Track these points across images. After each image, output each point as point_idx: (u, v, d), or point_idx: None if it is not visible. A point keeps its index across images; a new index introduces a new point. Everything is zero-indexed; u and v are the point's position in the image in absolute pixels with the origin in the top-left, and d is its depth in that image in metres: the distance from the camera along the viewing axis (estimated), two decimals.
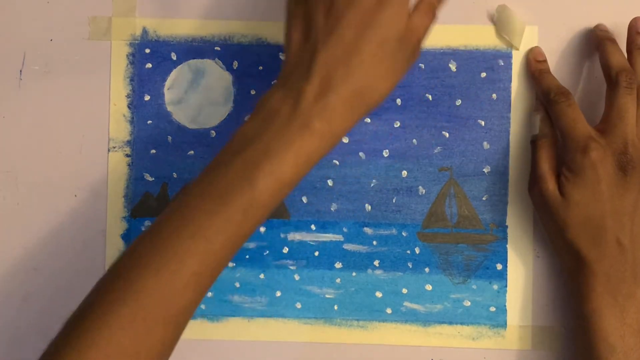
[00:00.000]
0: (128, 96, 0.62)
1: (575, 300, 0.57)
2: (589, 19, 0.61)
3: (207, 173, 0.49)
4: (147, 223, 0.62)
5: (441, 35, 0.61)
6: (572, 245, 0.56)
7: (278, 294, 0.61)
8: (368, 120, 0.62)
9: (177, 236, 0.47)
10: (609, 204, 0.55)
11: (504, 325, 0.61)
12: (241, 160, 0.48)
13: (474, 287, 0.61)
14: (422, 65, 0.62)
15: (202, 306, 0.61)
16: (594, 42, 0.60)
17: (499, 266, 0.61)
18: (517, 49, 0.61)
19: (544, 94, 0.59)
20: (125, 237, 0.62)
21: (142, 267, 0.47)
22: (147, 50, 0.62)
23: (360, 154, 0.62)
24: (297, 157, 0.48)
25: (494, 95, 0.61)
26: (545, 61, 0.61)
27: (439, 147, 0.62)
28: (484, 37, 0.61)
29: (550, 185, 0.57)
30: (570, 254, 0.56)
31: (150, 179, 0.62)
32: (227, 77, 0.62)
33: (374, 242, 0.62)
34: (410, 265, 0.61)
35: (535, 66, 0.60)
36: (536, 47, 0.61)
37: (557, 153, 0.58)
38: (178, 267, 0.46)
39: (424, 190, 0.62)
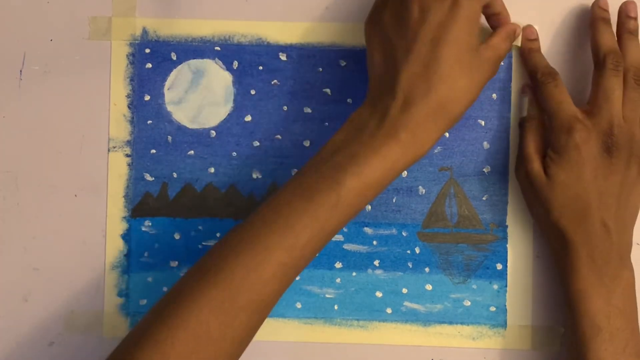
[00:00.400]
0: (128, 96, 0.62)
1: (561, 281, 0.57)
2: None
3: (296, 177, 0.53)
4: (147, 223, 0.62)
5: None
6: (557, 226, 0.56)
7: None
8: None
9: (268, 230, 0.50)
10: (593, 185, 0.55)
11: (504, 325, 0.61)
12: (330, 164, 0.52)
13: (474, 287, 0.61)
14: None
15: None
16: (589, 19, 0.60)
17: (499, 266, 0.61)
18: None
19: (532, 73, 0.59)
20: (125, 237, 0.62)
21: (233, 257, 0.50)
22: (147, 50, 0.62)
23: None
24: (382, 163, 0.51)
25: (494, 95, 0.61)
26: (536, 40, 0.61)
27: (439, 147, 0.62)
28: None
29: (536, 165, 0.57)
30: (555, 235, 0.57)
31: (150, 178, 0.62)
32: (227, 77, 0.62)
33: (374, 242, 0.62)
34: (410, 265, 0.61)
35: (526, 44, 0.61)
36: (529, 25, 0.61)
37: (545, 135, 0.59)
38: (267, 258, 0.50)
39: (424, 190, 0.62)
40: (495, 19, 0.58)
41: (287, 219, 0.50)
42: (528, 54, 0.60)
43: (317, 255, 0.52)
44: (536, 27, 0.61)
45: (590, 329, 0.54)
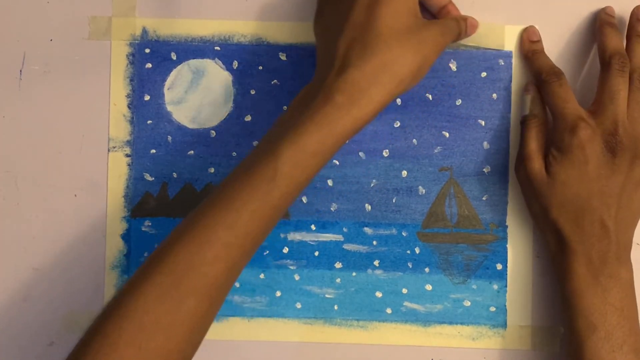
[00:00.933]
0: (128, 96, 0.62)
1: (558, 279, 0.57)
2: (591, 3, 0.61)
3: (243, 159, 0.52)
4: (147, 223, 0.62)
5: None
6: (555, 225, 0.56)
7: (278, 293, 0.61)
8: None
9: (208, 210, 0.49)
10: (595, 185, 0.55)
11: (504, 325, 0.61)
12: (269, 137, 0.51)
13: (474, 287, 0.61)
14: None
15: None
16: (596, 24, 0.60)
17: (499, 266, 0.61)
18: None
19: (536, 73, 0.59)
20: (125, 237, 0.62)
21: (176, 241, 0.49)
22: (147, 50, 0.62)
23: (360, 153, 0.62)
24: (318, 129, 0.50)
25: (495, 95, 0.61)
26: (539, 41, 0.61)
27: (439, 147, 0.62)
28: (484, 37, 0.61)
29: (537, 164, 0.57)
30: (553, 234, 0.57)
31: (150, 178, 0.62)
32: (227, 77, 0.62)
33: (374, 242, 0.61)
34: (410, 265, 0.61)
35: (528, 46, 0.61)
36: (531, 26, 0.61)
37: (546, 134, 0.59)
38: (208, 238, 0.48)
39: (424, 190, 0.62)
40: (444, 12, 0.58)
41: (226, 196, 0.49)
42: (532, 56, 0.60)
43: (266, 235, 0.51)
44: (539, 29, 0.61)
45: (586, 327, 0.54)
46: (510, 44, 0.61)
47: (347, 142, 0.51)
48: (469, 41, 0.61)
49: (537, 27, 0.61)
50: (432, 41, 0.53)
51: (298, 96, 0.53)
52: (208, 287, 0.48)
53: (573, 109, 0.56)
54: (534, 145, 0.58)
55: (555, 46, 0.61)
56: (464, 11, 0.61)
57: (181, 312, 0.48)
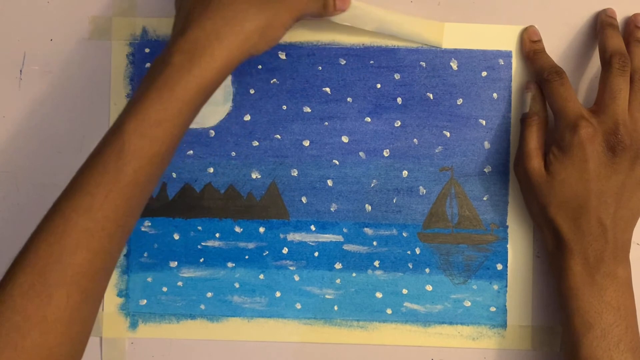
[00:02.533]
0: (128, 96, 0.62)
1: (555, 278, 0.57)
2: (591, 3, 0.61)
3: None
4: (147, 223, 0.62)
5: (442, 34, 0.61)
6: (552, 223, 0.56)
7: (278, 294, 0.61)
8: (368, 119, 0.61)
9: (64, 197, 0.48)
10: (594, 184, 0.55)
11: (504, 325, 0.61)
12: (119, 115, 0.49)
13: (474, 287, 0.61)
14: (423, 64, 0.61)
15: (202, 306, 0.61)
16: (597, 26, 0.60)
17: (500, 266, 0.61)
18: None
19: (538, 73, 0.59)
20: None
21: (36, 234, 0.47)
22: (147, 50, 0.62)
23: (361, 153, 0.61)
24: (160, 94, 0.48)
25: (495, 95, 0.61)
26: (539, 41, 0.61)
27: (439, 147, 0.61)
28: (484, 36, 0.61)
29: (536, 162, 0.57)
30: (550, 232, 0.57)
31: None
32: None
33: (374, 243, 0.61)
34: (410, 265, 0.61)
35: (529, 46, 0.60)
36: (531, 26, 0.61)
37: (546, 132, 0.59)
38: (65, 226, 0.47)
39: (424, 191, 0.61)
40: None
41: (79, 181, 0.48)
42: (533, 56, 0.60)
43: (134, 215, 0.49)
44: (539, 29, 0.61)
45: (582, 325, 0.54)
46: (510, 44, 0.61)
47: (198, 108, 0.50)
48: (407, 37, 0.61)
49: (537, 27, 0.61)
50: (287, 1, 0.52)
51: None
52: (76, 277, 0.47)
53: (574, 107, 0.56)
54: (533, 144, 0.58)
55: (556, 46, 0.61)
56: (464, 11, 0.61)
57: (51, 306, 0.46)
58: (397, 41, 0.61)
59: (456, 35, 0.61)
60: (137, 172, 0.48)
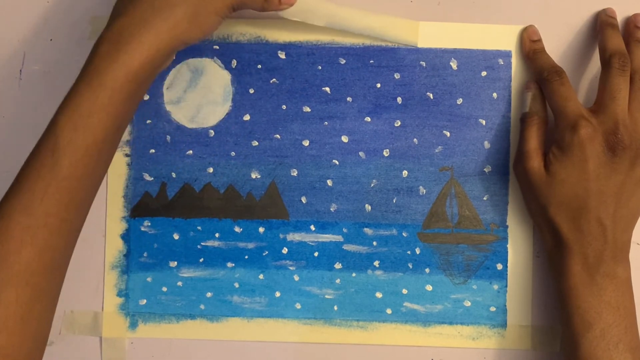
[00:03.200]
0: None
1: (554, 277, 0.57)
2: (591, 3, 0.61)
3: None
4: (147, 223, 0.62)
5: (442, 34, 0.61)
6: (552, 223, 0.56)
7: (277, 294, 0.61)
8: (368, 119, 0.61)
9: (6, 196, 0.48)
10: (594, 184, 0.55)
11: (504, 325, 0.61)
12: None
13: (474, 287, 0.61)
14: (423, 64, 0.61)
15: (202, 306, 0.61)
16: (597, 25, 0.60)
17: (500, 266, 0.61)
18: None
19: (538, 72, 0.59)
20: (125, 237, 0.62)
21: None
22: None
23: (361, 153, 0.61)
24: (89, 85, 0.48)
25: (495, 95, 0.61)
26: (539, 40, 0.61)
27: (439, 147, 0.61)
28: (484, 36, 0.61)
29: (536, 162, 0.57)
30: (550, 231, 0.57)
31: (149, 178, 0.62)
32: (226, 76, 0.62)
33: (374, 243, 0.61)
34: (410, 265, 0.61)
35: (529, 46, 0.60)
36: (531, 26, 0.61)
37: (546, 132, 0.59)
38: (7, 225, 0.47)
39: (424, 190, 0.61)
40: None
41: (19, 179, 0.48)
42: (533, 55, 0.60)
43: (81, 212, 0.50)
44: (539, 29, 0.61)
45: (581, 325, 0.54)
46: (510, 43, 0.61)
47: (139, 96, 0.50)
48: (379, 36, 0.61)
49: (537, 27, 0.61)
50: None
51: None
52: (23, 275, 0.47)
53: (574, 107, 0.56)
54: (533, 143, 0.58)
55: (556, 46, 0.61)
56: (463, 11, 0.61)
57: (1, 306, 0.46)
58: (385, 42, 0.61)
59: (456, 35, 0.61)
60: (73, 165, 0.48)
